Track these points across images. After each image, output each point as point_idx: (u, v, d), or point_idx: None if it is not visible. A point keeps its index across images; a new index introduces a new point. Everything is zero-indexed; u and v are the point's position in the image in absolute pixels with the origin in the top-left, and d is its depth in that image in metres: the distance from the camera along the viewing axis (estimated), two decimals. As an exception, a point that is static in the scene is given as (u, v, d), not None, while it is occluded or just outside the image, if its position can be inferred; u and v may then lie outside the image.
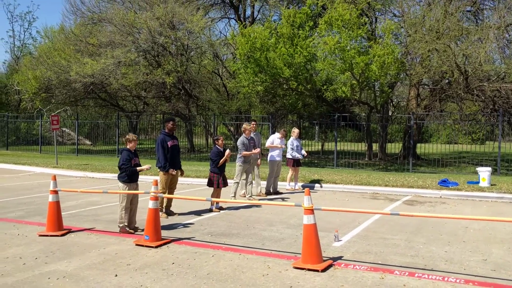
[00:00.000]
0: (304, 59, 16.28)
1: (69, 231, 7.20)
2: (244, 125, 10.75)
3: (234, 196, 10.23)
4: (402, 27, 19.71)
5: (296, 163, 12.30)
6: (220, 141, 9.46)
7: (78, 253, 6.02)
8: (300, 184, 12.67)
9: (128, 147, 7.39)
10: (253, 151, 10.53)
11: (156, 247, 6.31)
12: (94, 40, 22.88)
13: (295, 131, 12.48)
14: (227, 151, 9.45)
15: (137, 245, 6.43)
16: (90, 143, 31.34)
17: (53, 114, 21.27)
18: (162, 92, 24.00)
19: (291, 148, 12.27)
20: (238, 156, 10.38)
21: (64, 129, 32.34)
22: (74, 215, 8.63)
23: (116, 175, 14.52)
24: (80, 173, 15.73)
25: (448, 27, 16.81)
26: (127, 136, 7.49)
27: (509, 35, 19.14)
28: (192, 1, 23.65)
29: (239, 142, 10.43)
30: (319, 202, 9.91)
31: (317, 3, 17.65)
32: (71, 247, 6.33)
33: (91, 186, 12.98)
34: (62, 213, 7.40)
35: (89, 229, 7.42)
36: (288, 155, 12.33)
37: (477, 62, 16.31)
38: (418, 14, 19.18)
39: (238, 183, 10.32)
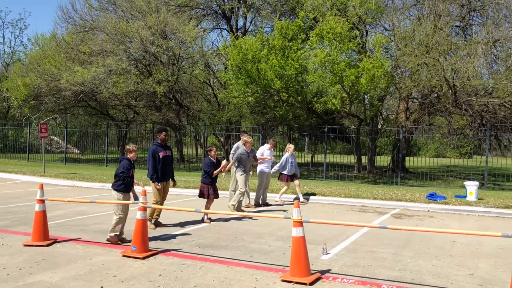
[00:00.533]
0: (295, 71, 16.37)
1: (55, 241, 7.11)
2: (245, 138, 10.69)
3: (233, 204, 10.25)
4: (392, 40, 19.96)
5: (290, 178, 12.14)
6: (212, 152, 9.42)
7: (63, 264, 5.94)
8: (301, 196, 12.30)
9: (129, 156, 7.38)
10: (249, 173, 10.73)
11: (143, 258, 6.25)
12: (86, 48, 22.82)
13: (291, 147, 12.35)
14: (224, 162, 9.48)
15: (124, 256, 6.37)
16: (78, 152, 31.09)
17: (41, 122, 21.12)
18: (152, 102, 23.97)
19: (281, 164, 12.13)
20: (237, 167, 10.42)
21: (53, 137, 32.06)
22: (61, 225, 8.52)
23: (104, 184, 14.46)
24: (68, 182, 15.58)
25: (438, 42, 17.07)
26: (127, 147, 7.55)
27: (497, 51, 19.51)
28: (185, 11, 23.76)
29: (236, 155, 10.45)
30: (308, 215, 9.90)
31: (309, 16, 17.84)
32: (57, 258, 6.24)
33: (79, 195, 12.85)
34: (49, 223, 7.32)
35: (75, 239, 7.33)
36: (282, 171, 12.17)
37: (466, 76, 16.54)
38: (408, 28, 19.45)
39: (244, 193, 10.34)
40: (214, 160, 9.37)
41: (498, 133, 18.37)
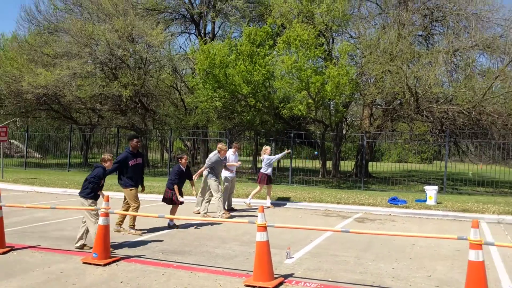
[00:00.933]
0: (262, 77, 16.49)
1: (12, 249, 6.88)
2: (220, 145, 10.67)
3: (222, 212, 10.23)
4: (358, 48, 20.40)
5: (269, 180, 12.28)
6: (183, 160, 9.26)
7: (20, 272, 5.76)
8: (269, 201, 12.44)
9: (104, 165, 7.28)
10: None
11: (105, 265, 6.13)
12: (50, 50, 22.28)
13: (268, 148, 12.54)
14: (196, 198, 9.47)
15: (84, 263, 6.23)
16: (40, 156, 30.21)
17: (1, 125, 20.43)
18: (118, 105, 23.61)
19: (267, 165, 12.21)
20: (209, 172, 10.39)
21: (12, 141, 31.04)
22: (18, 232, 8.26)
23: (66, 189, 14.11)
24: (27, 188, 15.11)
25: (401, 50, 17.56)
26: (103, 156, 7.47)
27: (457, 60, 20.24)
28: (153, 15, 23.59)
29: (211, 163, 10.42)
30: (273, 219, 9.98)
31: (277, 22, 18.05)
32: (13, 266, 6.05)
33: (38, 201, 12.49)
34: (6, 230, 7.09)
35: (33, 247, 7.12)
36: (265, 171, 12.22)
37: (427, 84, 17.09)
38: (373, 36, 19.94)
39: (221, 197, 10.32)
40: (184, 168, 9.27)
41: (457, 139, 19.02)
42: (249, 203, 12.23)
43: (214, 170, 10.44)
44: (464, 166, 20.48)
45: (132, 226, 8.40)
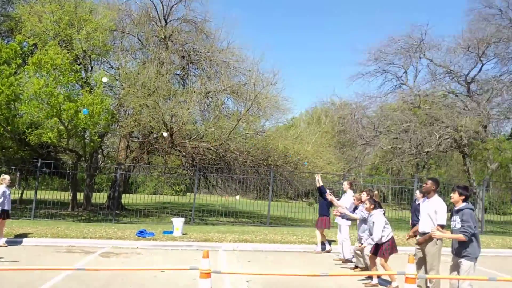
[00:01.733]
0: (6, 98, 14.72)
1: None
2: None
3: None
4: (117, 79, 20.37)
5: (6, 215, 10.88)
6: None
7: None
8: (4, 239, 10.98)
9: None
10: None
11: None
12: None
13: (6, 178, 11.05)
14: None
15: None
16: None
17: None
18: None
19: (3, 199, 10.73)
20: None
21: None
22: None
23: None
24: None
25: (159, 86, 18.33)
26: None
27: (209, 101, 22.28)
28: None
29: None
30: (4, 260, 8.85)
31: (29, 42, 16.64)
32: None
33: None
34: None
35: None
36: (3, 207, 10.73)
37: (181, 121, 18.23)
38: (133, 69, 20.23)
39: None
40: None
41: (206, 173, 20.67)
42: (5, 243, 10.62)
43: None
44: (213, 198, 22.30)
45: None
